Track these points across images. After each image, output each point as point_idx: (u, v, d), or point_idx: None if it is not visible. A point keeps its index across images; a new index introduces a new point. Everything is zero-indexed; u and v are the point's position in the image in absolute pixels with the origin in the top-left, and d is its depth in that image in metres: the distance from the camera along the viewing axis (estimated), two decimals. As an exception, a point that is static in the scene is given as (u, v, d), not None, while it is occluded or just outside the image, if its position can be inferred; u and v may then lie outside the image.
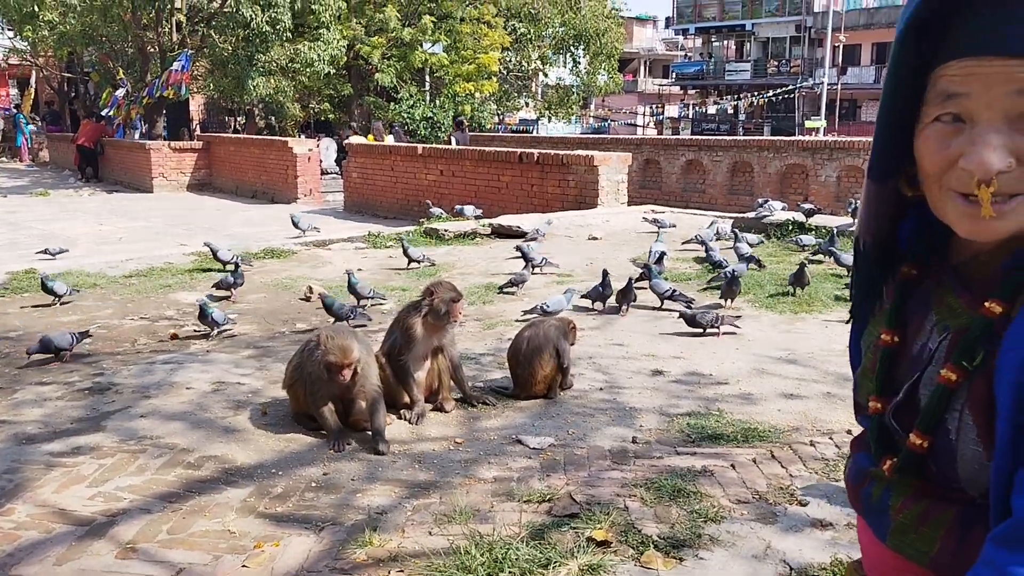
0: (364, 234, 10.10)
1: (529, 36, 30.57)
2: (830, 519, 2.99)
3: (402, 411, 4.07)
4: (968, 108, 0.88)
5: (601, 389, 4.46)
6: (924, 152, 0.93)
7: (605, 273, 6.17)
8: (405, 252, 8.14)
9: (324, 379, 3.68)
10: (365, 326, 5.76)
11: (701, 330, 5.45)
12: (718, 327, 5.42)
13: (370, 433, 3.77)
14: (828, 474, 3.36)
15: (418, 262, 8.13)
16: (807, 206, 9.85)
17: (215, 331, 5.60)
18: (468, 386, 4.30)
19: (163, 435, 3.85)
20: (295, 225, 10.43)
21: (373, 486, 3.32)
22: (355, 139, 18.08)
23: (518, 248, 7.98)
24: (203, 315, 5.55)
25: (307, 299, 6.78)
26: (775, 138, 18.20)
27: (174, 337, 5.66)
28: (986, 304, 0.91)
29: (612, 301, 6.21)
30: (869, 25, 39.94)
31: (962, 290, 0.96)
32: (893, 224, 1.07)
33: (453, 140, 19.09)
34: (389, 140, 18.74)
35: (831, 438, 3.74)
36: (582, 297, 6.21)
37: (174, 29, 22.36)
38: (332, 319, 5.70)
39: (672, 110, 48.12)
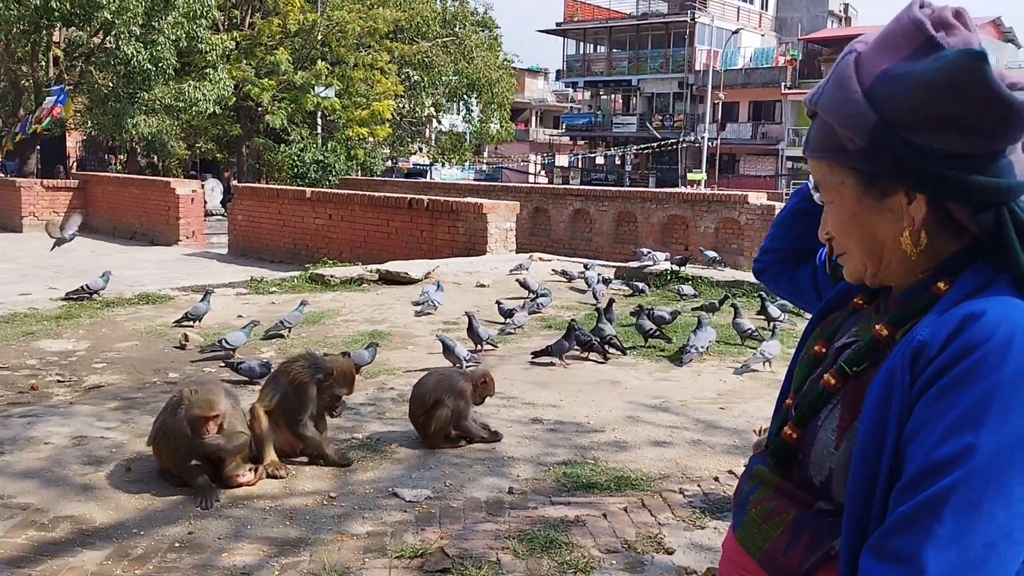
0: (246, 279, 9.86)
1: (423, 84, 30.92)
2: (695, 566, 3.07)
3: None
4: None
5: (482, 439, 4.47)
6: None
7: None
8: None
9: (187, 436, 3.56)
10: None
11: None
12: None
13: (228, 482, 3.66)
14: (695, 521, 3.46)
15: None
16: (678, 257, 10.26)
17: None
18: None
19: (14, 494, 3.63)
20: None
21: (240, 544, 3.21)
22: None
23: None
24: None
25: (182, 347, 6.55)
26: (657, 190, 18.91)
27: (34, 388, 5.36)
28: (876, 327, 1.07)
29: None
30: (746, 84, 42.15)
31: (884, 314, 1.10)
32: None
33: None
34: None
35: (699, 485, 3.86)
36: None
37: (51, 64, 21.52)
38: None
39: (562, 159, 49.29)
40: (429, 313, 7.88)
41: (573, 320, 6.50)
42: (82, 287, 8.45)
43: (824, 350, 1.19)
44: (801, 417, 1.11)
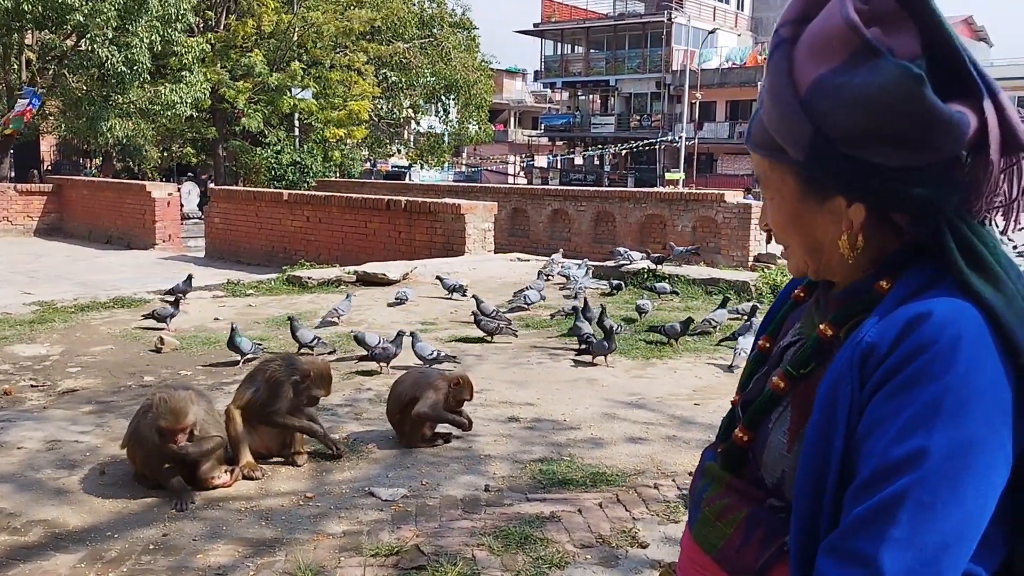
0: (223, 282, 9.81)
1: (400, 85, 30.83)
2: (668, 559, 3.10)
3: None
4: None
5: (457, 437, 4.48)
6: None
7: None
8: None
9: (158, 443, 3.54)
10: None
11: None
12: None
13: (204, 484, 3.65)
14: (669, 516, 3.50)
15: None
16: (656, 255, 10.34)
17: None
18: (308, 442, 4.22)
19: (-14, 500, 3.60)
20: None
21: (215, 545, 3.21)
22: None
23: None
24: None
25: (158, 350, 6.52)
26: (635, 189, 18.99)
27: (7, 393, 5.31)
28: (820, 327, 1.06)
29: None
30: (723, 84, 42.40)
31: (826, 312, 1.09)
32: None
33: None
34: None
35: (674, 480, 3.90)
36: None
37: (23, 67, 21.29)
38: None
39: (541, 160, 49.37)
40: (464, 292, 8.69)
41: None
42: (172, 289, 8.66)
43: (768, 345, 1.19)
44: (751, 420, 1.11)
